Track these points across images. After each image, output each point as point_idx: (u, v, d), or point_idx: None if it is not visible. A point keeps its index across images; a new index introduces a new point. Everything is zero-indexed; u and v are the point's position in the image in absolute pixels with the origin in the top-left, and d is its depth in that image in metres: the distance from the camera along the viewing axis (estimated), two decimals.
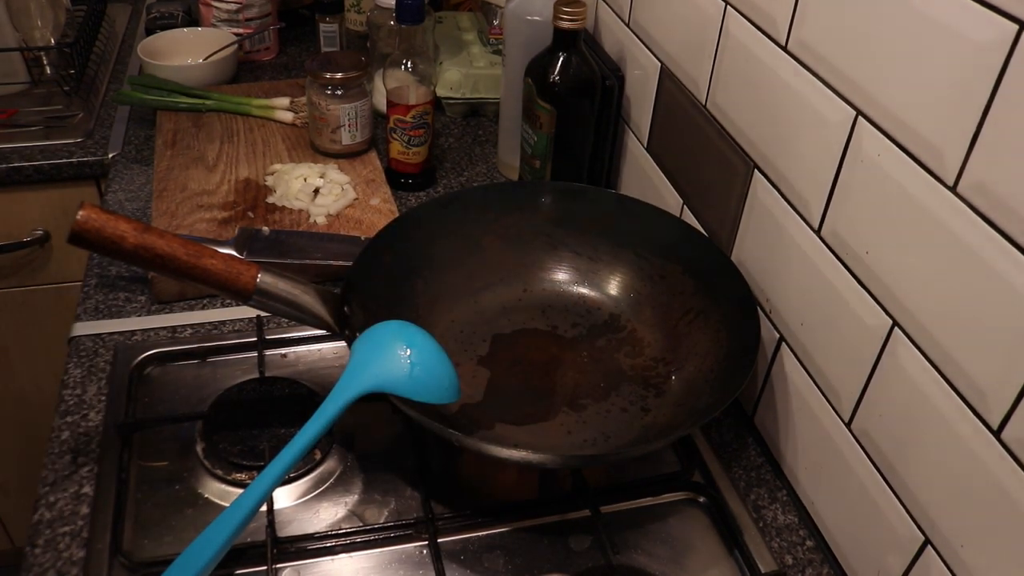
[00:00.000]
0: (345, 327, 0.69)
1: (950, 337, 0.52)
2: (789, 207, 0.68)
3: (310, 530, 0.66)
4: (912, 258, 0.55)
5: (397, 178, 1.08)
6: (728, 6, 0.74)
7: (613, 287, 0.85)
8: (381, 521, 0.67)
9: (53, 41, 1.35)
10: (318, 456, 0.71)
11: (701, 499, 0.71)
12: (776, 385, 0.74)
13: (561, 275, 0.86)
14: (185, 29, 1.37)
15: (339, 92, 1.05)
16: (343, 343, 0.76)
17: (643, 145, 0.96)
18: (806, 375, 0.68)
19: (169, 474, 0.70)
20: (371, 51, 1.24)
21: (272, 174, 1.04)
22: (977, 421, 0.51)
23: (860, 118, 0.59)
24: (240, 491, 0.60)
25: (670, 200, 0.90)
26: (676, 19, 0.84)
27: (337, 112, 1.05)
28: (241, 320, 0.86)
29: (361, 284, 0.74)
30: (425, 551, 0.65)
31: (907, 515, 0.58)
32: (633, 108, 0.97)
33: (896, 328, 0.57)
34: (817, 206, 0.65)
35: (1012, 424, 0.48)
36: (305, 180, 1.01)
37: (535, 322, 0.83)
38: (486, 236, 0.85)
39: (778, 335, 0.72)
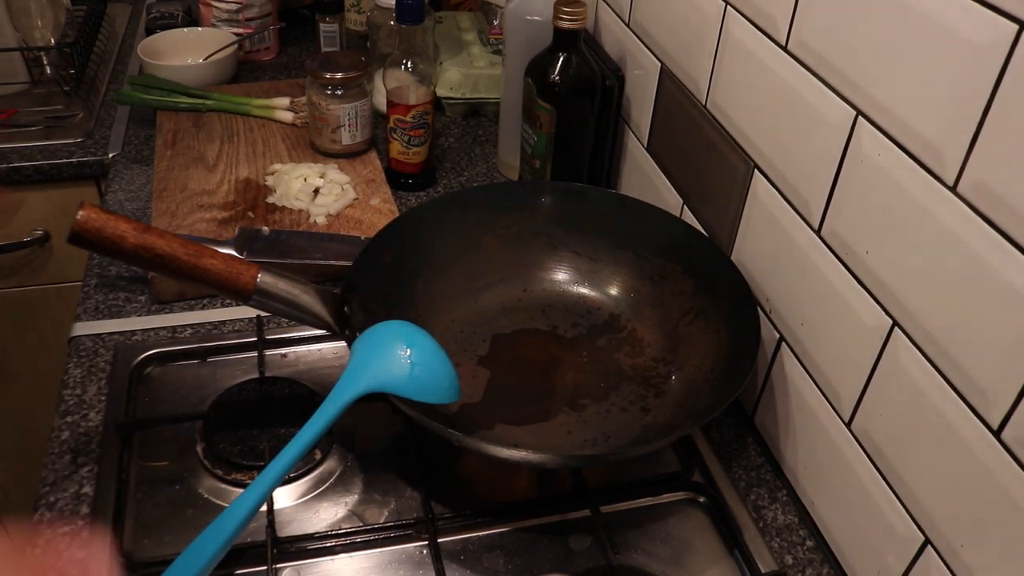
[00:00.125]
0: (345, 327, 0.69)
1: (950, 337, 0.52)
2: (789, 207, 0.68)
3: (310, 530, 0.66)
4: (912, 258, 0.55)
5: (397, 178, 1.08)
6: (728, 6, 0.74)
7: (613, 287, 0.85)
8: (381, 521, 0.67)
9: (53, 41, 1.35)
10: (318, 456, 0.71)
11: (701, 499, 0.71)
12: (776, 385, 0.74)
13: (561, 275, 0.86)
14: (185, 29, 1.37)
15: (339, 92, 1.05)
16: (343, 343, 0.76)
17: (643, 145, 0.96)
18: (806, 375, 0.68)
19: (169, 474, 0.70)
20: (371, 51, 1.24)
21: (272, 174, 1.04)
22: (977, 421, 0.51)
23: (860, 118, 0.59)
24: (240, 491, 0.60)
25: (670, 200, 0.90)
26: (676, 19, 0.84)
27: (337, 112, 1.05)
28: (241, 320, 0.86)
29: (361, 284, 0.74)
30: (425, 551, 0.65)
31: (907, 515, 0.58)
32: (633, 108, 0.97)
33: (896, 328, 0.57)
34: (817, 206, 0.65)
35: (1012, 424, 0.48)
36: (305, 180, 1.01)
37: (535, 322, 0.83)
38: (486, 236, 0.85)
39: (778, 335, 0.72)
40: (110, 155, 1.15)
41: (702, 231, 0.83)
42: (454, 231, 0.84)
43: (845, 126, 0.60)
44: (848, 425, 0.63)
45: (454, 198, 0.86)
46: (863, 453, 0.62)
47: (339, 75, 1.03)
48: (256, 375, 0.78)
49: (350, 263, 0.76)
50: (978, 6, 0.47)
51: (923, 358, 0.55)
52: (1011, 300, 0.47)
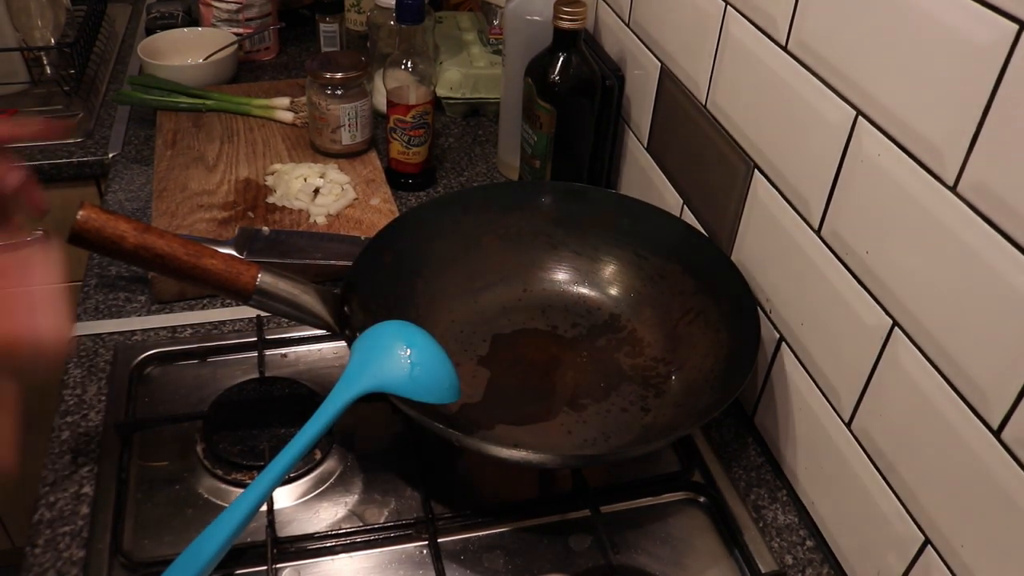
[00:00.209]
0: (345, 327, 0.69)
1: (950, 337, 0.52)
2: (789, 207, 0.68)
3: (310, 530, 0.66)
4: (912, 258, 0.55)
5: (397, 178, 1.08)
6: (728, 6, 0.74)
7: (613, 287, 0.85)
8: (381, 521, 0.67)
9: (53, 41, 1.35)
10: (318, 456, 0.71)
11: (701, 499, 0.71)
12: (776, 385, 0.74)
13: (561, 275, 0.86)
14: (185, 29, 1.37)
15: (339, 92, 1.05)
16: (343, 343, 0.76)
17: (643, 145, 0.96)
18: (806, 375, 0.68)
19: (169, 474, 0.70)
20: (371, 51, 1.24)
21: (272, 174, 1.04)
22: (977, 421, 0.51)
23: (860, 118, 0.59)
24: (240, 491, 0.60)
25: (670, 200, 0.90)
26: (676, 19, 0.84)
27: (337, 112, 1.05)
28: (241, 320, 0.86)
29: (361, 284, 0.74)
30: (425, 551, 0.65)
31: (907, 515, 0.58)
32: (633, 108, 0.97)
33: (896, 328, 0.57)
34: (817, 206, 0.65)
35: (1012, 424, 0.48)
36: (305, 180, 1.01)
37: (535, 322, 0.83)
38: (486, 236, 0.85)
39: (778, 335, 0.72)
40: (110, 155, 1.15)
41: (702, 231, 0.83)
42: (454, 231, 0.84)
43: (845, 126, 0.60)
44: (848, 425, 0.63)
45: (454, 198, 0.86)
46: (863, 453, 0.62)
47: (339, 75, 1.03)
48: (256, 375, 0.78)
49: (350, 263, 0.76)
50: (978, 6, 0.47)
51: (923, 358, 0.55)
52: (1011, 300, 0.47)
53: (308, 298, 0.68)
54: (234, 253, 0.83)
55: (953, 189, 0.51)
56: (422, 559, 0.65)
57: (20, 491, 1.43)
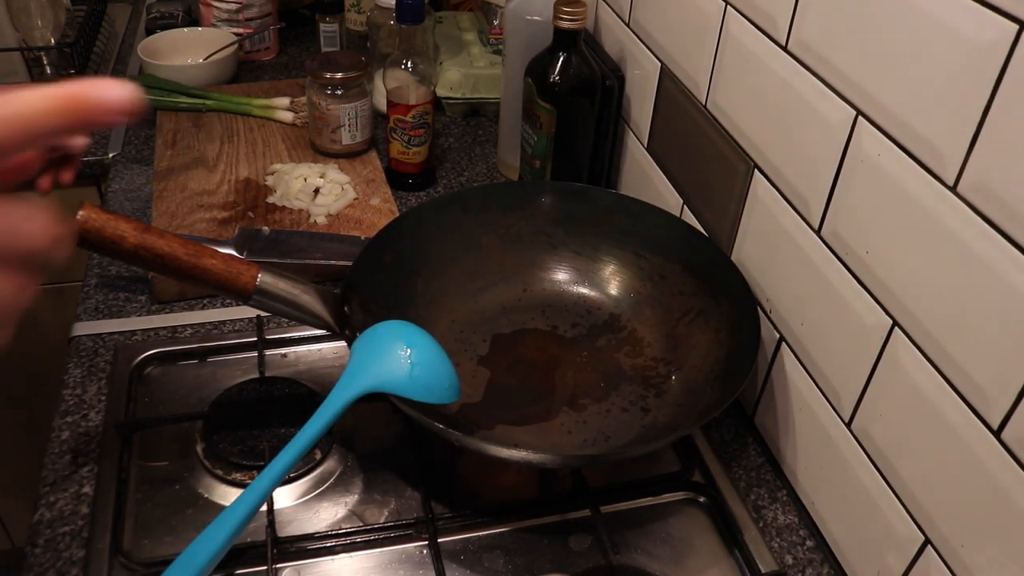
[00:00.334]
0: (345, 327, 0.69)
1: (950, 337, 0.52)
2: (789, 207, 0.68)
3: (310, 530, 0.66)
4: (912, 258, 0.55)
5: (397, 178, 1.08)
6: (728, 6, 0.74)
7: (613, 287, 0.85)
8: (381, 521, 0.67)
9: (53, 41, 1.35)
10: (318, 456, 0.71)
11: (701, 499, 0.71)
12: (776, 385, 0.74)
13: (561, 275, 0.86)
14: (185, 29, 1.37)
15: (339, 92, 1.05)
16: (343, 343, 0.76)
17: (643, 145, 0.96)
18: (806, 375, 0.68)
19: (169, 474, 0.70)
20: (371, 51, 1.24)
21: (272, 174, 1.04)
22: (977, 421, 0.51)
23: (860, 118, 0.59)
24: (240, 491, 0.60)
25: (670, 200, 0.90)
26: (676, 19, 0.84)
27: (337, 112, 1.05)
28: (241, 320, 0.86)
29: (361, 284, 0.74)
30: (425, 551, 0.65)
31: (907, 515, 0.58)
32: (633, 108, 0.97)
33: (896, 328, 0.57)
34: (817, 206, 0.65)
35: (1012, 424, 0.48)
36: (305, 180, 1.01)
37: (535, 322, 0.83)
38: (486, 236, 0.85)
39: (778, 335, 0.72)
40: (110, 155, 1.15)
41: (702, 231, 0.83)
42: (454, 231, 0.84)
43: (845, 126, 0.60)
44: (848, 425, 0.63)
45: (454, 198, 0.86)
46: (863, 453, 0.62)
47: (339, 75, 1.03)
48: (256, 375, 0.78)
49: (350, 263, 0.76)
50: (978, 6, 0.47)
51: (923, 358, 0.55)
52: (1011, 300, 0.47)
53: (308, 298, 0.68)
54: (234, 253, 0.83)
55: (953, 189, 0.51)
56: (422, 559, 0.65)
57: (20, 491, 1.44)
